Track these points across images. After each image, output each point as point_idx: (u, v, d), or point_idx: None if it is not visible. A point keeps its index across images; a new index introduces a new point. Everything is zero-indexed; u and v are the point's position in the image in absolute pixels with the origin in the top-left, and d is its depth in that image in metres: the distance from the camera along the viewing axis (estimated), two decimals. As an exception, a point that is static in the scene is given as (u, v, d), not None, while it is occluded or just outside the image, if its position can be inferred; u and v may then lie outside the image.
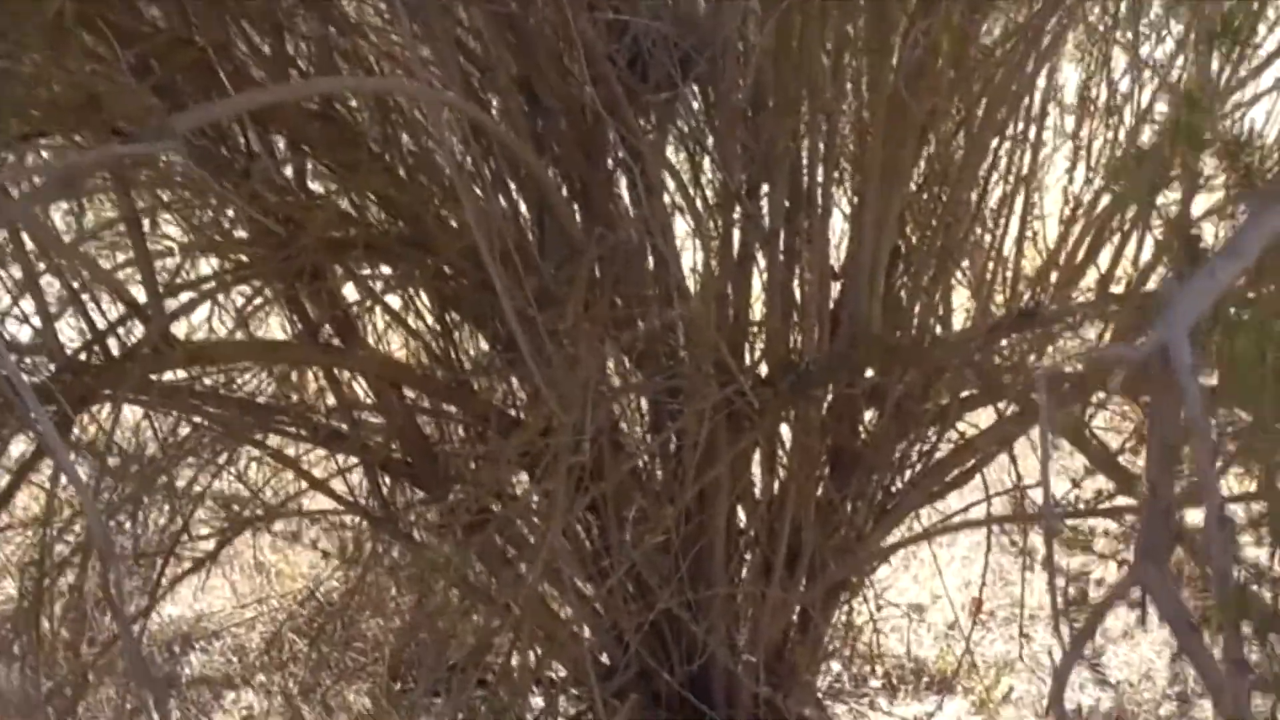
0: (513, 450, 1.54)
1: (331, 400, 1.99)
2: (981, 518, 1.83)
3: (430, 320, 1.97)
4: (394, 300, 1.99)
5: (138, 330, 1.71)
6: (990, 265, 1.79)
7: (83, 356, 1.68)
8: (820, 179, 1.65)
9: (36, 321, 1.63)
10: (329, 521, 2.61)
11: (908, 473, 1.94)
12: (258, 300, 1.93)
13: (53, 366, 1.64)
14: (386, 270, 1.90)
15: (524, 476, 1.84)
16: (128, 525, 2.06)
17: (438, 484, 1.90)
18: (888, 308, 1.76)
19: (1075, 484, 1.68)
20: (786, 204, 1.69)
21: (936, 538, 2.52)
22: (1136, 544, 0.57)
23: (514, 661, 2.08)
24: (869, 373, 1.74)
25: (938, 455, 1.91)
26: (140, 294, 1.65)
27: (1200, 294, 0.51)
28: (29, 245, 1.54)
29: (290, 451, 2.10)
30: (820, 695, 2.23)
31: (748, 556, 1.98)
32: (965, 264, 1.83)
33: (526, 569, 1.55)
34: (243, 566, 3.12)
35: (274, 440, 2.06)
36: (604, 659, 2.11)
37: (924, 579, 2.64)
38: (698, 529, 1.79)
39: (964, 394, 1.83)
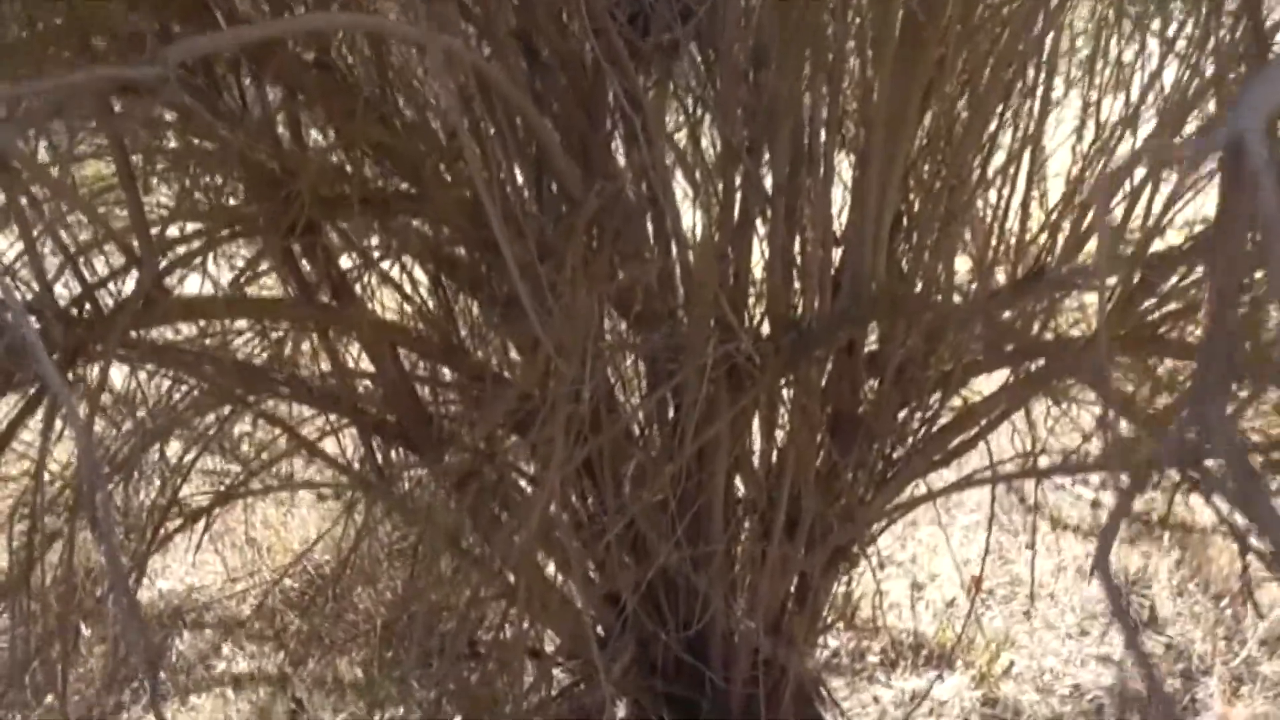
0: (509, 400, 1.51)
1: (326, 363, 1.96)
2: (987, 476, 1.80)
3: (426, 280, 1.95)
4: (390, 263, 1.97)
5: (130, 287, 1.68)
6: (995, 228, 1.76)
7: (75, 311, 1.66)
8: (823, 135, 1.62)
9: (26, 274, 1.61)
10: (322, 494, 2.59)
11: (910, 440, 1.91)
12: (253, 260, 1.91)
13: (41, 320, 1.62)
14: (382, 229, 1.87)
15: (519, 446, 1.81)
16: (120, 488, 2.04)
17: (432, 447, 1.87)
18: (890, 273, 1.73)
19: (1086, 437, 1.65)
20: (789, 163, 1.67)
21: (937, 518, 2.51)
22: (1194, 377, 0.53)
23: (507, 631, 2.06)
24: (872, 330, 1.71)
25: (941, 422, 1.88)
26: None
27: (1276, 84, 0.48)
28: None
29: (283, 419, 2.08)
30: (818, 667, 2.21)
31: (746, 525, 1.96)
32: (969, 229, 1.81)
33: (520, 528, 1.52)
34: (234, 542, 3.11)
35: (267, 406, 2.04)
36: (599, 632, 2.08)
37: (923, 558, 2.62)
38: (696, 491, 1.76)
39: (967, 359, 1.81)
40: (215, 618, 2.74)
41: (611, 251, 1.65)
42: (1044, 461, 1.87)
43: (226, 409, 2.03)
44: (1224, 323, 0.52)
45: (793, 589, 2.03)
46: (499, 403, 1.53)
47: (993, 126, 1.75)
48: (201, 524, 2.53)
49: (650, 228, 1.75)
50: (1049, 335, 1.77)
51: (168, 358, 1.83)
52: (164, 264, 1.68)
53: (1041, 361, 1.72)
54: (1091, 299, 1.69)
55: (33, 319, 1.63)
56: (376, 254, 1.90)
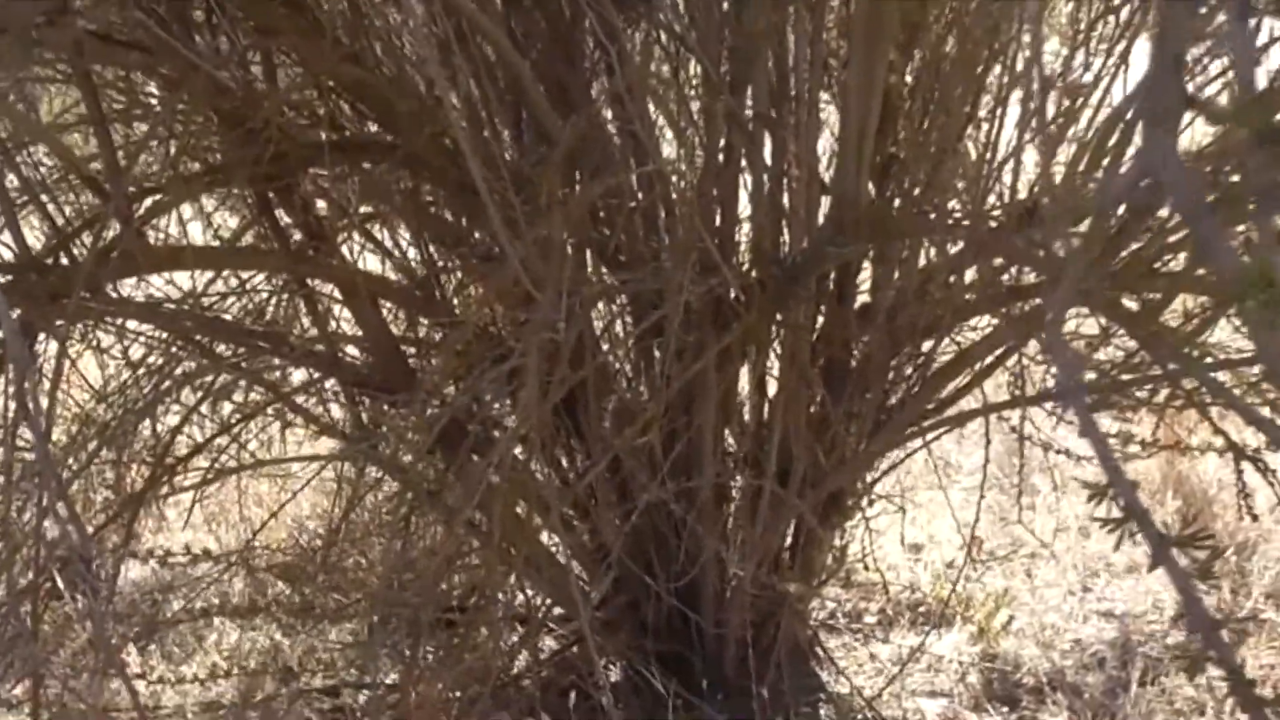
0: (474, 334, 1.48)
1: (306, 319, 1.93)
2: (978, 409, 1.76)
3: (405, 232, 1.92)
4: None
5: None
6: (985, 165, 1.72)
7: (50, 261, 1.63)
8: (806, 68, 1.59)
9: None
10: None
11: (903, 386, 1.87)
12: (229, 211, 1.88)
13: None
14: (361, 179, 1.83)
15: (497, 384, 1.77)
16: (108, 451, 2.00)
17: (414, 398, 1.84)
18: (878, 205, 1.69)
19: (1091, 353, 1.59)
20: (771, 99, 1.63)
21: (937, 480, 2.46)
22: (1144, 109, 0.50)
23: (493, 593, 2.02)
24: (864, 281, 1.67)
25: (933, 368, 1.85)
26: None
27: None
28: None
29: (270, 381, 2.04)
30: (814, 628, 2.17)
31: (738, 476, 1.92)
32: (960, 167, 1.77)
33: (492, 466, 1.48)
34: (229, 521, 3.08)
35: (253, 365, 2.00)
36: (591, 593, 2.04)
37: (921, 520, 2.58)
38: (685, 433, 1.73)
39: (959, 302, 1.77)
40: (207, 592, 2.71)
41: (590, 189, 1.61)
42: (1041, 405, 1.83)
43: (212, 376, 2.00)
44: (1166, 51, 0.48)
45: (787, 543, 2.00)
46: (459, 332, 1.50)
47: (983, 59, 1.71)
48: (193, 500, 2.51)
49: (633, 160, 1.71)
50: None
51: (146, 312, 1.80)
52: (140, 211, 1.65)
53: (1035, 300, 1.68)
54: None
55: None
56: (355, 204, 1.86)
